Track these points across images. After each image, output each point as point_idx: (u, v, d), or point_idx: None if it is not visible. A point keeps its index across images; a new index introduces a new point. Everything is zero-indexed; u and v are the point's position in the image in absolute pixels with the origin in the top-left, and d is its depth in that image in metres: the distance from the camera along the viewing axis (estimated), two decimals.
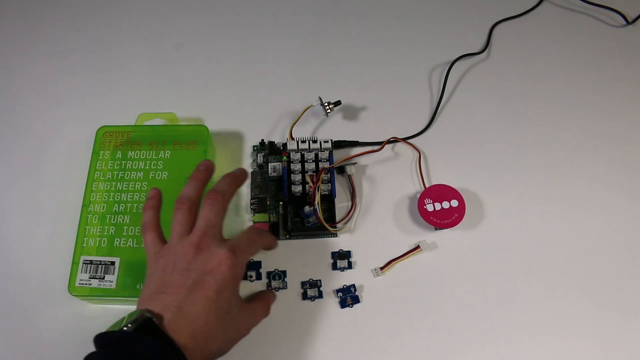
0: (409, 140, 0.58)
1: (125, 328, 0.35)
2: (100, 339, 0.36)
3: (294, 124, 0.56)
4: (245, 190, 0.55)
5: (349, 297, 0.49)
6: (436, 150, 0.57)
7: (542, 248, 0.52)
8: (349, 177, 0.54)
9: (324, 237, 0.52)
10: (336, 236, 0.52)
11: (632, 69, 0.64)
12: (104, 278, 0.46)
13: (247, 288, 0.50)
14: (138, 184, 0.50)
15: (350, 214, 0.53)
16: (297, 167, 0.52)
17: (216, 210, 0.42)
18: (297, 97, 0.60)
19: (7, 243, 0.52)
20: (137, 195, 0.50)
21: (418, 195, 0.53)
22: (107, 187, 0.50)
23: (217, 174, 0.55)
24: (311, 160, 0.53)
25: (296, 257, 0.51)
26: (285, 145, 0.55)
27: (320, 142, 0.53)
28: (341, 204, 0.54)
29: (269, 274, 0.50)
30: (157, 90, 0.61)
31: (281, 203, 0.53)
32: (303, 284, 0.50)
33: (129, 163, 0.52)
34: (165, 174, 0.51)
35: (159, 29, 0.66)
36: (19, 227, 0.53)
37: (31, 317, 0.49)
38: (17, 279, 0.50)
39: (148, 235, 0.43)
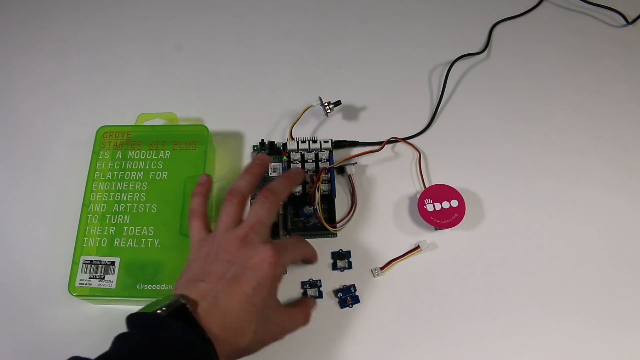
0: (409, 140, 0.58)
1: (159, 311, 0.35)
2: (133, 320, 0.36)
3: (294, 124, 0.56)
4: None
5: (349, 297, 0.49)
6: (436, 150, 0.57)
7: (542, 248, 0.52)
8: (349, 177, 0.55)
9: (323, 237, 0.52)
10: (336, 236, 0.52)
11: (632, 69, 0.64)
12: (104, 278, 0.46)
13: None
14: (138, 184, 0.50)
15: (350, 214, 0.53)
16: (297, 167, 0.52)
17: (267, 209, 0.42)
18: (297, 97, 0.60)
19: (7, 243, 0.52)
20: (137, 195, 0.50)
21: (418, 195, 0.53)
22: (107, 187, 0.50)
23: (217, 174, 0.56)
24: (311, 160, 0.53)
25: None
26: (285, 145, 0.55)
27: (320, 142, 0.53)
28: (341, 204, 0.54)
29: None
30: (157, 90, 0.61)
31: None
32: (303, 284, 0.50)
33: (129, 163, 0.52)
34: (165, 174, 0.51)
35: (159, 29, 0.67)
36: (19, 227, 0.53)
37: (31, 317, 0.49)
38: (17, 279, 0.51)
39: (194, 222, 0.44)
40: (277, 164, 0.54)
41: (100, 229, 0.48)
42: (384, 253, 0.51)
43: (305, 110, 0.56)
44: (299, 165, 0.52)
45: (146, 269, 0.46)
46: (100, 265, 0.47)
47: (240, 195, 0.44)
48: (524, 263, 0.51)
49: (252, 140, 0.58)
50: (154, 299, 0.45)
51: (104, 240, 0.48)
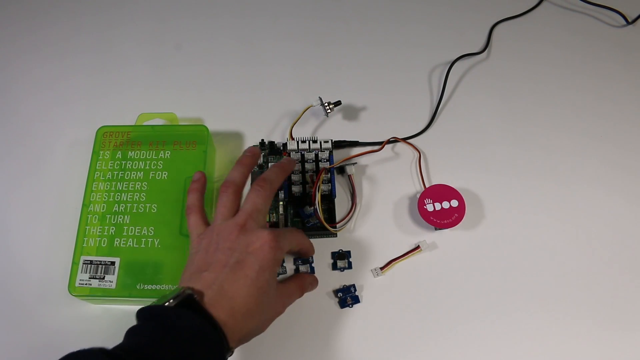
0: (409, 140, 0.58)
1: (166, 304, 0.36)
2: (142, 313, 0.37)
3: (294, 124, 0.56)
4: (245, 190, 0.55)
5: (349, 297, 0.49)
6: (436, 150, 0.57)
7: (542, 248, 0.52)
8: (349, 177, 0.55)
9: (324, 237, 0.52)
10: (336, 236, 0.52)
11: (632, 69, 0.64)
12: (104, 278, 0.46)
13: None
14: (138, 184, 0.50)
15: (350, 214, 0.53)
16: (297, 167, 0.52)
17: (263, 197, 0.43)
18: (297, 97, 0.60)
19: (8, 243, 0.52)
20: (137, 195, 0.50)
21: (418, 195, 0.53)
22: (107, 187, 0.50)
23: (217, 174, 0.56)
24: (311, 160, 0.53)
25: None
26: (285, 145, 0.55)
27: (320, 142, 0.53)
28: (341, 204, 0.54)
29: None
30: (157, 90, 0.61)
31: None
32: (295, 260, 0.50)
33: (129, 163, 0.51)
34: (165, 174, 0.51)
35: (159, 29, 0.67)
36: (20, 227, 0.53)
37: (31, 317, 0.49)
38: (18, 279, 0.51)
39: (192, 217, 0.45)
40: None
41: (100, 229, 0.48)
42: (384, 253, 0.51)
43: (306, 110, 0.56)
44: (299, 165, 0.52)
45: (146, 269, 0.46)
46: (100, 266, 0.47)
47: (234, 185, 0.45)
48: (524, 263, 0.51)
49: (252, 140, 0.58)
50: (154, 298, 0.46)
51: (104, 240, 0.48)
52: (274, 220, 0.52)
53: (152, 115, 0.57)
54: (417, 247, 0.51)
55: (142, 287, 0.46)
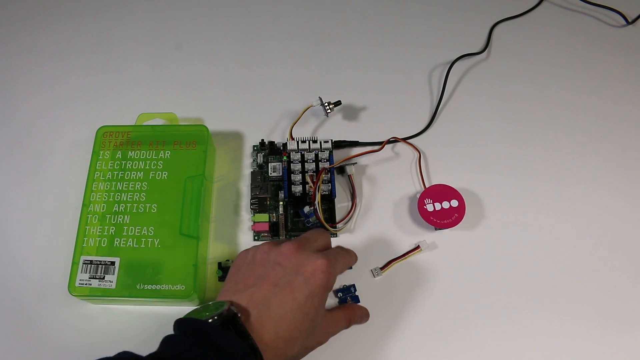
0: (409, 140, 0.58)
1: (210, 320, 0.35)
2: (183, 325, 0.35)
3: (294, 124, 0.56)
4: (245, 190, 0.55)
5: (349, 297, 0.49)
6: (436, 150, 0.57)
7: (542, 248, 0.52)
8: (349, 177, 0.55)
9: None
10: (336, 236, 0.52)
11: (632, 69, 0.64)
12: (104, 278, 0.46)
13: None
14: (138, 184, 0.50)
15: (350, 214, 0.53)
16: (297, 167, 0.52)
17: (325, 237, 0.43)
18: (297, 97, 0.60)
19: (8, 243, 0.52)
20: (137, 195, 0.50)
21: (418, 195, 0.53)
22: (107, 187, 0.50)
23: (217, 174, 0.56)
24: (311, 160, 0.53)
25: None
26: (285, 145, 0.55)
27: (320, 142, 0.53)
28: (341, 204, 0.54)
29: None
30: (157, 90, 0.61)
31: (281, 203, 0.53)
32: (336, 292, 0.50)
33: (129, 163, 0.51)
34: (165, 174, 0.51)
35: (159, 29, 0.67)
36: (19, 227, 0.53)
37: (31, 317, 0.49)
38: (18, 279, 0.51)
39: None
40: (277, 164, 0.54)
41: (100, 229, 0.48)
42: (384, 253, 0.51)
43: (305, 110, 0.56)
44: (299, 165, 0.52)
45: (146, 269, 0.46)
46: (100, 265, 0.47)
47: (320, 244, 0.43)
48: (524, 263, 0.51)
49: (252, 140, 0.58)
50: (154, 298, 0.46)
51: (104, 240, 0.48)
52: (274, 220, 0.52)
53: (152, 115, 0.57)
54: (417, 247, 0.51)
55: (142, 287, 0.46)
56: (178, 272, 0.46)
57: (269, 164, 0.54)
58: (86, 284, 0.46)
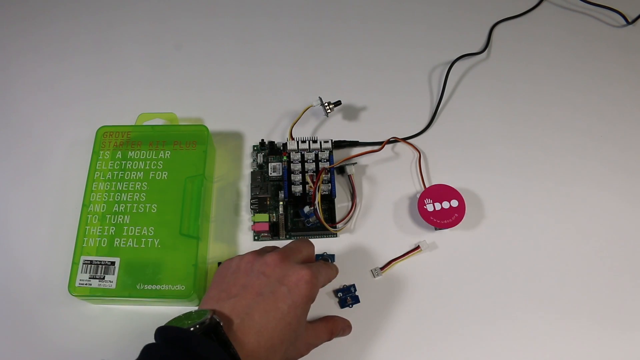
0: (409, 140, 0.58)
1: (192, 329, 0.34)
2: (164, 333, 0.35)
3: (294, 124, 0.56)
4: (245, 190, 0.55)
5: (349, 297, 0.49)
6: (436, 150, 0.57)
7: (542, 248, 0.52)
8: (349, 177, 0.54)
9: (324, 237, 0.52)
10: (336, 236, 0.52)
11: (632, 69, 0.64)
12: (104, 278, 0.46)
13: None
14: (138, 184, 0.50)
15: (350, 214, 0.53)
16: (297, 167, 0.52)
17: (309, 248, 0.43)
18: (297, 97, 0.60)
19: (8, 243, 0.52)
20: (137, 195, 0.50)
21: (418, 195, 0.53)
22: (107, 187, 0.50)
23: (217, 174, 0.56)
24: (311, 160, 0.53)
25: None
26: (285, 145, 0.55)
27: (320, 142, 0.53)
28: (341, 204, 0.54)
29: None
30: (157, 90, 0.61)
31: (281, 203, 0.53)
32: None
33: (129, 163, 0.51)
34: (165, 174, 0.51)
35: (159, 29, 0.67)
36: (20, 227, 0.53)
37: (31, 317, 0.49)
38: (18, 279, 0.50)
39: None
40: (277, 164, 0.54)
41: (100, 229, 0.48)
42: (384, 253, 0.51)
43: (305, 110, 0.56)
44: (299, 165, 0.52)
45: (146, 269, 0.46)
46: (100, 266, 0.47)
47: (299, 252, 0.43)
48: (524, 263, 0.51)
49: (252, 140, 0.58)
50: (154, 298, 0.46)
51: (104, 240, 0.48)
52: (274, 220, 0.52)
53: (152, 115, 0.57)
54: (417, 247, 0.51)
55: (142, 287, 0.46)
56: (178, 272, 0.46)
57: (269, 164, 0.54)
58: (86, 284, 0.46)
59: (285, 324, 0.37)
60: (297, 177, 0.52)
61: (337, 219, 0.53)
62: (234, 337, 0.35)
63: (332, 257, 0.51)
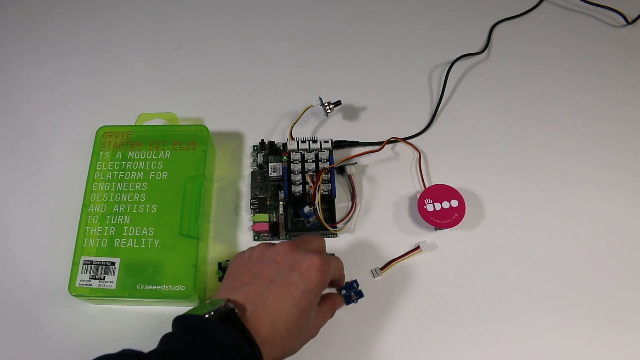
0: (409, 140, 0.58)
1: (207, 315, 0.35)
2: (181, 322, 0.36)
3: (294, 124, 0.56)
4: (245, 190, 0.55)
5: (352, 292, 0.49)
6: (436, 150, 0.57)
7: (542, 248, 0.52)
8: (349, 177, 0.54)
9: (324, 237, 0.52)
10: (336, 236, 0.52)
11: (632, 69, 0.64)
12: (104, 278, 0.46)
13: None
14: (138, 184, 0.50)
15: (350, 214, 0.53)
16: (297, 167, 0.52)
17: (320, 241, 0.44)
18: (297, 97, 0.60)
19: (8, 243, 0.52)
20: (137, 195, 0.50)
21: (418, 195, 0.53)
22: (107, 187, 0.50)
23: (217, 174, 0.56)
24: (311, 160, 0.53)
25: None
26: (285, 145, 0.55)
27: (320, 142, 0.53)
28: (341, 204, 0.54)
29: None
30: (157, 90, 0.61)
31: (281, 203, 0.53)
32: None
33: (129, 163, 0.51)
34: (165, 174, 0.51)
35: (159, 29, 0.67)
36: (20, 227, 0.53)
37: (31, 317, 0.49)
38: (18, 279, 0.50)
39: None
40: (277, 164, 0.54)
41: (100, 229, 0.48)
42: (384, 253, 0.51)
43: (305, 110, 0.56)
44: (299, 165, 0.52)
45: (146, 270, 0.46)
46: (100, 266, 0.47)
47: (313, 248, 0.43)
48: (524, 263, 0.51)
49: (252, 140, 0.58)
50: (154, 298, 0.46)
51: (104, 240, 0.48)
52: (274, 220, 0.52)
53: (152, 115, 0.57)
54: (417, 247, 0.51)
55: (142, 288, 0.46)
56: (178, 273, 0.46)
57: (269, 164, 0.54)
58: (86, 285, 0.46)
59: (298, 309, 0.38)
60: (297, 177, 0.52)
61: (337, 219, 0.53)
62: (249, 323, 0.36)
63: (331, 256, 0.51)
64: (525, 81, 0.63)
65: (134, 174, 0.51)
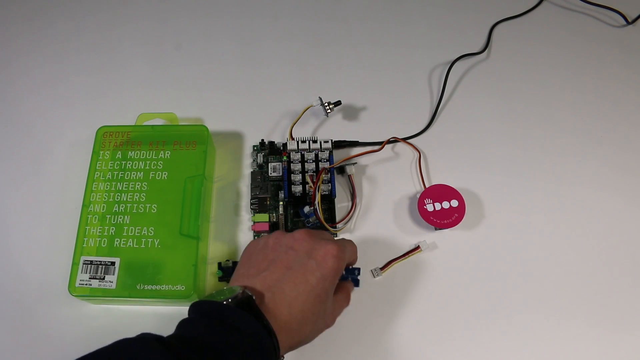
0: (409, 140, 0.58)
1: (225, 302, 0.35)
2: (198, 307, 0.36)
3: (294, 124, 0.56)
4: (245, 190, 0.55)
5: (350, 277, 0.48)
6: (436, 150, 0.57)
7: (542, 248, 0.52)
8: (349, 177, 0.54)
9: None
10: (336, 236, 0.52)
11: (632, 69, 0.64)
12: (104, 278, 0.46)
13: None
14: (138, 184, 0.50)
15: (350, 214, 0.53)
16: (297, 167, 0.52)
17: (346, 244, 0.43)
18: (297, 97, 0.60)
19: (8, 243, 0.52)
20: (137, 195, 0.50)
21: (418, 195, 0.53)
22: (107, 187, 0.50)
23: (217, 174, 0.56)
24: (311, 160, 0.53)
25: None
26: (285, 145, 0.55)
27: (320, 142, 0.53)
28: (341, 204, 0.54)
29: None
30: (157, 90, 0.61)
31: (281, 203, 0.53)
32: None
33: (129, 163, 0.51)
34: (165, 174, 0.51)
35: (159, 29, 0.67)
36: (20, 227, 0.53)
37: (31, 317, 0.49)
38: (18, 279, 0.50)
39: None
40: (277, 164, 0.54)
41: (100, 229, 0.48)
42: (384, 253, 0.51)
43: (305, 110, 0.56)
44: (299, 165, 0.52)
45: (146, 269, 0.46)
46: (100, 266, 0.47)
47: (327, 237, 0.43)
48: (524, 263, 0.51)
49: (252, 140, 0.58)
50: (154, 298, 0.46)
51: (104, 240, 0.48)
52: (274, 220, 0.52)
53: (152, 115, 0.57)
54: (417, 247, 0.51)
55: (142, 287, 0.46)
56: (178, 272, 0.46)
57: (269, 164, 0.54)
58: (86, 284, 0.46)
59: (314, 296, 0.38)
60: (297, 177, 0.52)
61: (337, 219, 0.53)
62: (267, 310, 0.36)
63: (346, 241, 0.51)
64: (525, 81, 0.63)
65: (134, 173, 0.51)
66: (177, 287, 0.46)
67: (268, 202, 0.53)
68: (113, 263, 0.47)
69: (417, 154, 0.57)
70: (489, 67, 0.64)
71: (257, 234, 0.52)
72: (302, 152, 0.53)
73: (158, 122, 0.57)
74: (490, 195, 0.55)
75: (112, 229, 0.48)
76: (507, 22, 0.67)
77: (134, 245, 0.48)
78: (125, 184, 0.50)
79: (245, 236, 0.52)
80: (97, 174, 0.51)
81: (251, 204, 0.53)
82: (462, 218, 0.51)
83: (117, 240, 0.48)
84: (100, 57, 0.64)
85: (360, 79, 0.62)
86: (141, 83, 0.62)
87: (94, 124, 0.54)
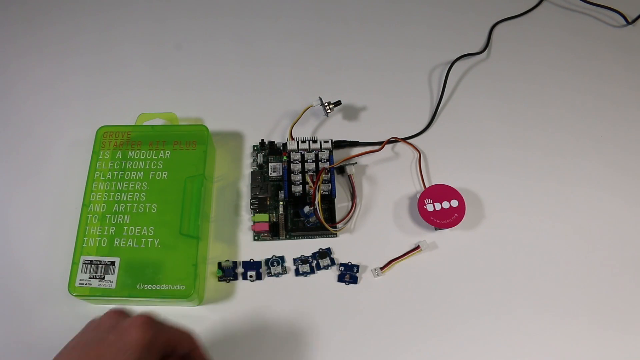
0: (409, 140, 0.58)
1: None
2: None
3: (294, 124, 0.56)
4: (245, 190, 0.55)
5: (349, 274, 0.49)
6: (436, 150, 0.57)
7: (542, 248, 0.52)
8: (349, 177, 0.54)
9: (324, 237, 0.52)
10: (336, 236, 0.52)
11: (632, 69, 0.64)
12: (104, 278, 0.46)
13: (247, 289, 0.50)
14: (138, 184, 0.50)
15: (350, 214, 0.53)
16: (297, 167, 0.52)
17: (157, 326, 0.36)
18: (297, 97, 0.60)
19: (8, 243, 0.52)
20: (137, 195, 0.50)
21: (418, 195, 0.53)
22: (107, 187, 0.50)
23: (217, 174, 0.56)
24: (311, 160, 0.53)
25: (297, 257, 0.51)
26: (285, 145, 0.55)
27: (320, 142, 0.53)
28: (341, 204, 0.54)
29: (267, 260, 0.51)
30: (157, 90, 0.61)
31: (281, 203, 0.53)
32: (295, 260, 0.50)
33: (129, 163, 0.51)
34: (165, 174, 0.51)
35: (159, 29, 0.67)
36: (20, 227, 0.53)
37: (31, 317, 0.49)
38: (18, 279, 0.50)
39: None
40: (277, 164, 0.54)
41: (100, 229, 0.48)
42: (384, 253, 0.51)
43: (306, 110, 0.56)
44: (299, 165, 0.52)
45: (146, 269, 0.46)
46: (100, 265, 0.47)
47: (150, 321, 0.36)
48: (524, 263, 0.51)
49: (252, 140, 0.58)
50: (154, 298, 0.46)
51: (104, 240, 0.48)
52: (274, 220, 0.52)
53: (152, 115, 0.57)
54: (417, 247, 0.51)
55: (142, 287, 0.46)
56: (178, 272, 0.46)
57: (269, 164, 0.54)
58: (86, 284, 0.46)
59: None
60: (297, 177, 0.52)
61: (337, 219, 0.53)
62: None
63: (328, 250, 0.51)
64: (525, 81, 0.63)
65: (134, 173, 0.51)
66: (177, 287, 0.46)
67: (268, 202, 0.53)
68: (113, 263, 0.47)
69: (417, 154, 0.57)
70: (489, 67, 0.64)
71: (257, 234, 0.52)
72: (302, 152, 0.53)
73: (158, 122, 0.57)
74: (490, 195, 0.55)
75: (112, 229, 0.48)
76: (507, 22, 0.67)
77: (134, 245, 0.48)
78: (125, 184, 0.50)
79: (245, 236, 0.52)
80: (97, 173, 0.51)
81: (251, 204, 0.53)
82: (462, 218, 0.51)
83: (117, 240, 0.48)
84: (100, 57, 0.64)
85: (360, 79, 0.62)
86: (141, 83, 0.62)
87: (94, 124, 0.54)
